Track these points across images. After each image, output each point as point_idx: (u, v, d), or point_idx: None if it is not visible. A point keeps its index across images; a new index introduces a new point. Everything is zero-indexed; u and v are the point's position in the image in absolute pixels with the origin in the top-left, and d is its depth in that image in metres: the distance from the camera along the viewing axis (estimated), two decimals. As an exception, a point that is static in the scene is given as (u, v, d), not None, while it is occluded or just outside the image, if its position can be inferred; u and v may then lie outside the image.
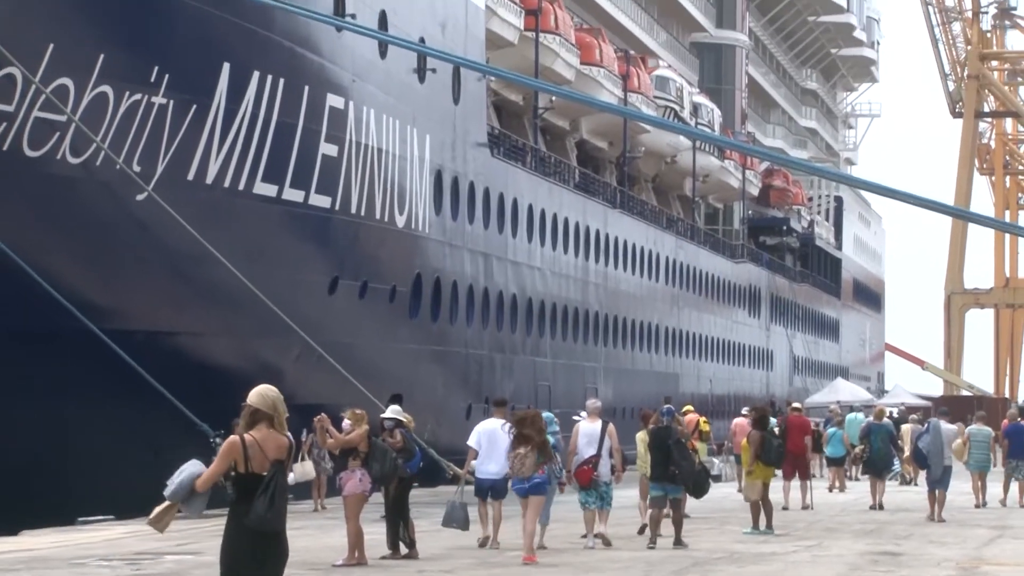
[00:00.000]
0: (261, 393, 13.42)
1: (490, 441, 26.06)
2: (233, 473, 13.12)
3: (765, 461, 29.95)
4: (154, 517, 13.47)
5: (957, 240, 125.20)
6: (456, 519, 25.77)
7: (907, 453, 42.08)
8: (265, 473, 13.04)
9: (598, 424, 26.63)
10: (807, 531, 30.41)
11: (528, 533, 24.22)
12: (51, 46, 30.47)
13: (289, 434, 13.33)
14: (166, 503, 13.83)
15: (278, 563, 13.27)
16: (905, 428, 44.70)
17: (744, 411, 38.07)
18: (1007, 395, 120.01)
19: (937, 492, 34.52)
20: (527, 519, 24.25)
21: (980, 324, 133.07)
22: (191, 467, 13.98)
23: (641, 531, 26.88)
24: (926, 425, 37.07)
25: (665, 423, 27.69)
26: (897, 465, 44.70)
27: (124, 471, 33.32)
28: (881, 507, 37.74)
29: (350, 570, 22.61)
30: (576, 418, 28.07)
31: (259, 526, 12.98)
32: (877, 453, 39.61)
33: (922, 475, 37.34)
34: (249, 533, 13.07)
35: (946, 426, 36.01)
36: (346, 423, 24.92)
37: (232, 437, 13.16)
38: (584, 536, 26.36)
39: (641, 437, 28.97)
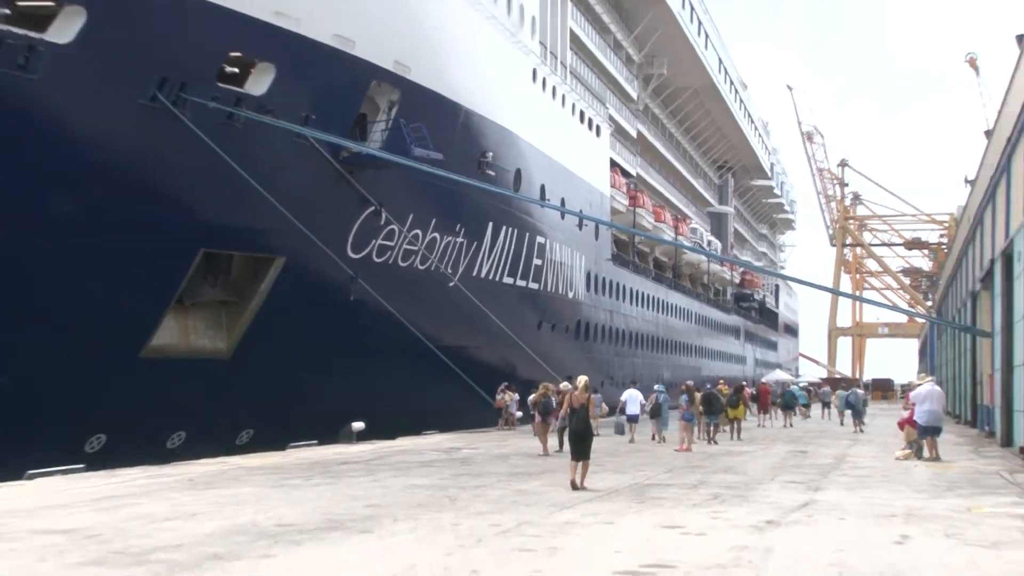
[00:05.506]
0: (577, 378, 15.80)
1: (631, 398, 28.36)
2: (568, 409, 15.39)
3: (731, 407, 29.97)
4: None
5: (833, 304, 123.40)
6: (620, 429, 28.52)
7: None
8: (575, 407, 15.26)
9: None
10: (762, 440, 29.54)
11: (688, 438, 25.38)
12: (411, 215, 30.81)
13: (592, 395, 15.81)
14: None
15: (584, 442, 15.12)
16: (834, 394, 45.43)
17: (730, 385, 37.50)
18: (857, 376, 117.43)
19: (855, 421, 35.12)
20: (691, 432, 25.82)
21: (845, 344, 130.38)
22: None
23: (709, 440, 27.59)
24: (851, 391, 37.86)
25: (710, 389, 29.90)
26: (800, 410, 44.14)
27: (443, 412, 33.45)
28: (791, 426, 37.42)
29: (546, 459, 22.04)
30: (655, 388, 28.99)
31: (573, 428, 15.26)
32: (786, 399, 39.80)
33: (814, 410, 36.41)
34: (572, 432, 15.30)
35: (858, 391, 37.13)
36: (541, 389, 24.79)
37: (566, 395, 15.83)
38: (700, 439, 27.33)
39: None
